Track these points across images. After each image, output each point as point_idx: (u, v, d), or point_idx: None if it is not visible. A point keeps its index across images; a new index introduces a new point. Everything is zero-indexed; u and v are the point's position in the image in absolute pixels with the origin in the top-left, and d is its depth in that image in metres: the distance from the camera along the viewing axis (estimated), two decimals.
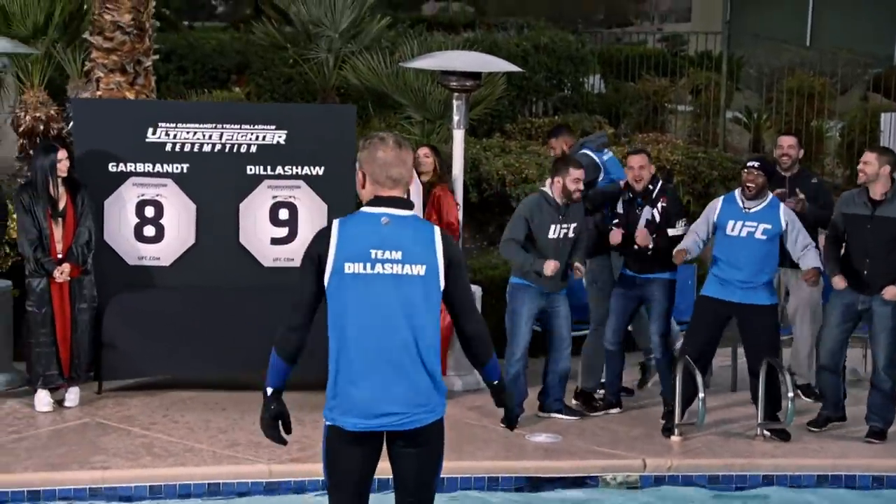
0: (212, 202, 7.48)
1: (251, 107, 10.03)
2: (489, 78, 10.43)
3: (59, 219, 6.92)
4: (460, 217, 7.70)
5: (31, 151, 8.75)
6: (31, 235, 6.87)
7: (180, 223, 7.47)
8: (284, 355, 3.89)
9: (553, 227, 6.80)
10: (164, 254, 7.47)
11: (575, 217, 6.92)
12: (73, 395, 7.09)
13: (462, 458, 6.18)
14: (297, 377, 7.83)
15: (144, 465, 6.09)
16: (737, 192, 6.84)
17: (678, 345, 7.18)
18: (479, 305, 7.55)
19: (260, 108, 9.88)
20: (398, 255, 3.81)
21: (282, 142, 7.54)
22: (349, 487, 3.92)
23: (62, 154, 6.89)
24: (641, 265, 7.03)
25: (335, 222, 3.88)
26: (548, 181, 6.94)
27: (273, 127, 7.54)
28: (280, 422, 3.94)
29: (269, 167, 7.53)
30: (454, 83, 7.59)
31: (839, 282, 6.72)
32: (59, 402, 7.04)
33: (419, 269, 3.82)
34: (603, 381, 7.38)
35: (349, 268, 3.80)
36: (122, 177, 7.41)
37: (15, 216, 8.08)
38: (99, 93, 8.90)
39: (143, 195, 7.43)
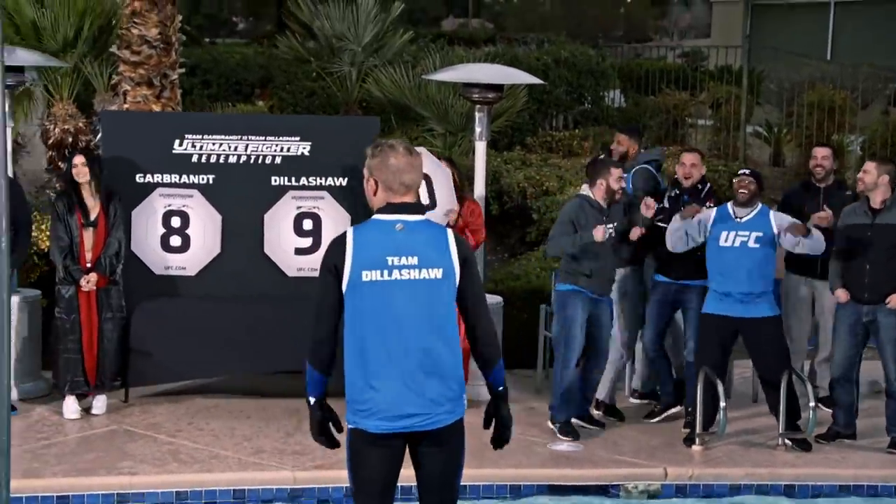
0: (237, 213, 7.58)
1: (276, 118, 10.14)
2: (511, 90, 10.51)
3: (91, 228, 7.02)
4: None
5: (59, 163, 8.87)
6: (62, 243, 6.98)
7: (206, 233, 7.57)
8: (319, 367, 3.96)
9: (600, 228, 6.86)
10: (189, 263, 7.56)
11: (616, 216, 6.98)
12: (100, 403, 7.18)
13: (484, 466, 6.23)
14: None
15: (171, 471, 6.17)
16: (729, 205, 6.90)
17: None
18: (500, 317, 7.63)
19: (285, 119, 10.00)
20: (414, 260, 3.87)
21: (306, 153, 7.64)
22: (374, 491, 3.97)
23: (77, 159, 7.00)
24: (678, 272, 7.10)
25: (349, 230, 3.94)
26: (584, 185, 6.99)
27: (297, 138, 7.64)
28: (330, 424, 4.01)
29: (293, 178, 7.62)
30: (476, 95, 7.66)
31: (842, 295, 6.79)
32: (87, 410, 7.13)
33: (436, 273, 3.89)
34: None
35: (367, 276, 3.86)
36: (149, 188, 7.52)
37: (43, 225, 8.22)
38: (126, 106, 9.03)
39: (169, 206, 7.53)
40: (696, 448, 6.73)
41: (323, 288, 3.92)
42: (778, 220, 6.81)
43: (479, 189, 7.84)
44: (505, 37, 22.54)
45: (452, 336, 3.94)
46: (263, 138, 7.60)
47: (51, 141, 8.95)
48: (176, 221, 7.54)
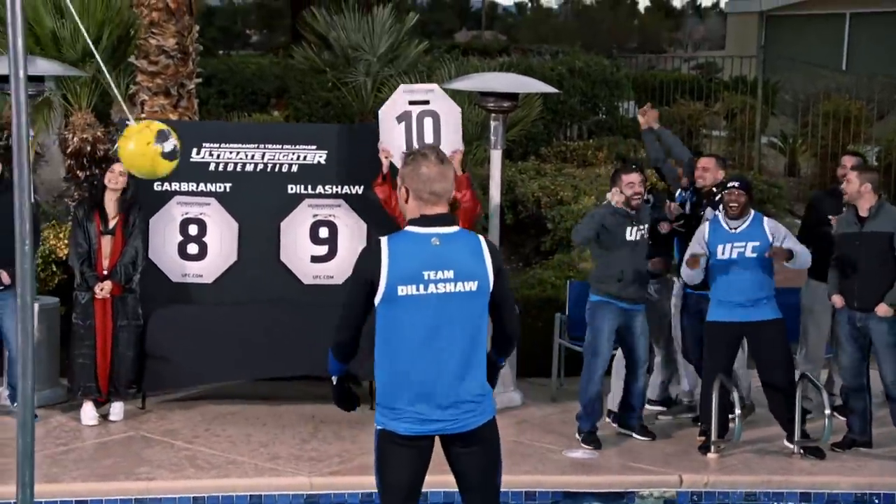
0: (254, 220, 7.64)
1: (292, 127, 10.21)
2: (526, 100, 10.54)
3: (109, 235, 7.07)
4: (495, 233, 7.72)
5: (78, 172, 8.94)
6: (80, 249, 7.04)
7: (223, 241, 7.62)
8: (341, 359, 4.14)
9: (629, 228, 6.87)
10: (206, 271, 7.62)
11: (645, 219, 7.00)
12: (117, 410, 7.22)
13: None
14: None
15: (188, 476, 6.20)
16: (720, 215, 6.89)
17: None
18: None
19: (301, 128, 10.07)
20: (450, 273, 3.92)
21: (322, 161, 7.69)
22: (400, 492, 4.04)
23: (116, 166, 7.02)
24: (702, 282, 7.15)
25: (383, 242, 3.95)
26: (608, 195, 7.04)
27: (314, 147, 7.69)
28: (348, 393, 4.21)
29: (309, 186, 7.68)
30: (492, 104, 7.68)
31: (837, 301, 6.83)
32: (104, 417, 7.17)
33: (471, 286, 3.94)
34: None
35: (402, 290, 3.89)
36: (167, 195, 7.58)
37: (61, 233, 8.29)
38: (143, 115, 9.09)
39: (186, 213, 7.59)
40: (711, 455, 6.72)
41: (353, 297, 3.98)
42: (772, 227, 6.81)
43: (495, 198, 7.87)
44: (519, 48, 22.62)
45: (482, 344, 4.03)
46: (280, 147, 7.66)
47: (69, 150, 9.00)
48: (193, 229, 7.60)
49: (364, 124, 10.84)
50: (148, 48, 9.10)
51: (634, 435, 7.02)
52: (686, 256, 6.86)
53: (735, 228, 6.80)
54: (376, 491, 4.14)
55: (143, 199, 7.36)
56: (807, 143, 14.14)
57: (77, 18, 7.42)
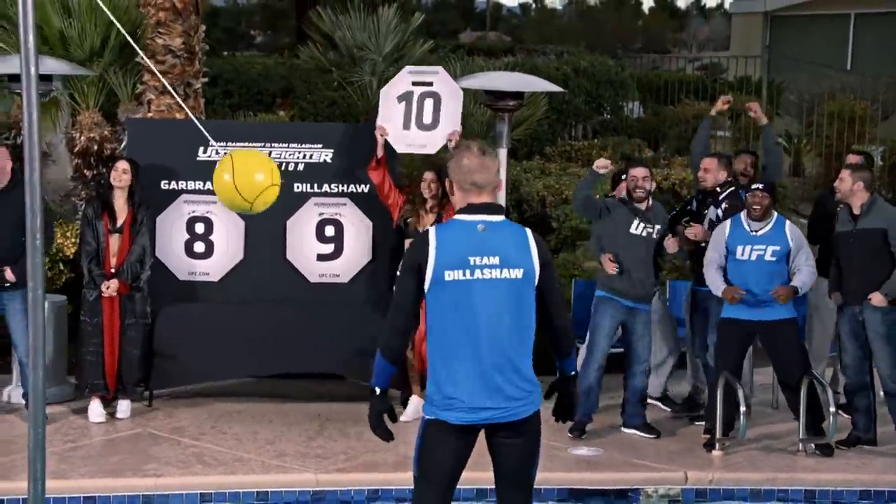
0: (260, 219, 7.49)
1: (299, 126, 10.23)
2: (531, 99, 10.57)
3: (117, 234, 7.10)
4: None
5: (85, 172, 8.98)
6: (88, 247, 7.07)
7: (229, 239, 7.65)
8: (390, 358, 4.09)
9: (635, 222, 6.90)
10: (213, 269, 7.64)
11: (658, 219, 7.00)
12: (124, 407, 7.25)
13: None
14: (342, 389, 7.97)
15: (195, 473, 6.23)
16: (742, 216, 6.91)
17: None
18: None
19: (307, 126, 10.09)
20: (496, 260, 4.00)
21: (328, 160, 7.72)
22: (440, 479, 4.08)
23: (120, 164, 7.09)
24: (701, 277, 7.16)
25: (431, 230, 4.06)
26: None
27: (320, 145, 7.72)
28: (386, 415, 4.14)
29: (315, 185, 7.70)
30: (497, 103, 7.72)
31: (836, 298, 6.91)
32: (112, 414, 7.20)
33: (517, 273, 4.01)
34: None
35: (449, 275, 3.97)
36: (174, 194, 7.61)
37: (69, 232, 8.32)
38: (150, 115, 9.12)
39: (193, 212, 7.62)
40: (716, 453, 6.74)
41: (403, 285, 4.05)
42: (793, 233, 6.82)
43: (500, 197, 7.88)
44: (523, 48, 22.64)
45: (529, 334, 4.08)
46: (286, 145, 7.69)
47: (76, 149, 9.04)
48: (200, 228, 7.62)
49: (370, 123, 10.84)
50: (155, 47, 9.13)
51: (639, 432, 7.04)
52: (727, 288, 6.79)
53: (757, 231, 6.80)
54: (413, 480, 4.15)
55: (150, 197, 7.39)
56: (811, 143, 14.15)
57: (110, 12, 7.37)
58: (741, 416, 6.57)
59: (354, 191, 7.71)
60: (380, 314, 7.40)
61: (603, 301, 6.96)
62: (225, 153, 4.15)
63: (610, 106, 14.59)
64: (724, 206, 7.20)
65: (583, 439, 6.89)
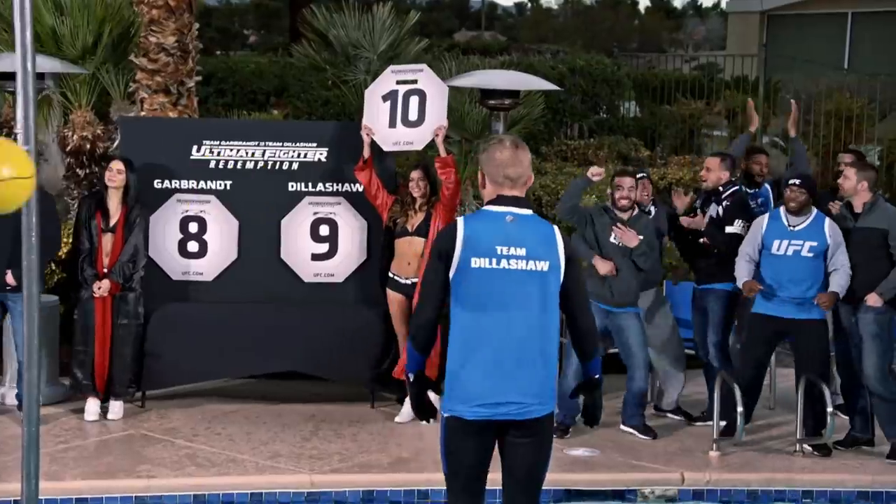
0: (254, 218, 7.61)
1: (293, 124, 10.19)
2: (527, 98, 10.53)
3: (109, 233, 7.05)
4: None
5: (77, 171, 8.92)
6: (82, 247, 7.03)
7: (223, 239, 7.60)
8: (420, 348, 4.10)
9: (614, 231, 6.87)
10: (207, 269, 7.59)
11: (641, 229, 6.90)
12: (116, 408, 7.19)
13: (497, 470, 6.20)
14: (337, 390, 7.91)
15: (189, 474, 6.18)
16: (781, 210, 6.84)
17: None
18: None
19: (301, 125, 10.05)
20: (522, 251, 4.00)
21: (322, 159, 7.67)
22: (469, 473, 4.09)
23: (114, 164, 7.04)
24: (700, 275, 7.11)
25: (460, 220, 4.08)
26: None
27: (314, 145, 7.67)
28: (427, 395, 4.17)
29: (310, 184, 7.65)
30: (493, 102, 7.68)
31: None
32: (104, 415, 7.14)
33: (542, 266, 4.01)
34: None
35: (475, 262, 3.98)
36: (167, 193, 7.56)
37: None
38: (143, 113, 9.07)
39: (187, 211, 7.56)
40: (713, 454, 6.70)
41: (431, 272, 4.07)
42: (832, 230, 6.71)
43: None
44: (519, 47, 22.61)
45: (553, 329, 4.06)
46: (280, 144, 7.64)
47: (69, 148, 8.99)
48: (193, 227, 7.57)
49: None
50: (148, 46, 9.08)
51: (636, 433, 7.00)
52: (746, 281, 6.74)
53: (795, 226, 6.72)
54: (444, 480, 4.15)
55: (142, 196, 7.34)
56: (808, 142, 14.11)
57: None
58: (739, 417, 6.53)
59: (349, 190, 7.66)
60: (374, 314, 7.40)
61: None
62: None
63: (606, 105, 14.56)
64: (724, 203, 7.15)
65: (566, 439, 6.83)
